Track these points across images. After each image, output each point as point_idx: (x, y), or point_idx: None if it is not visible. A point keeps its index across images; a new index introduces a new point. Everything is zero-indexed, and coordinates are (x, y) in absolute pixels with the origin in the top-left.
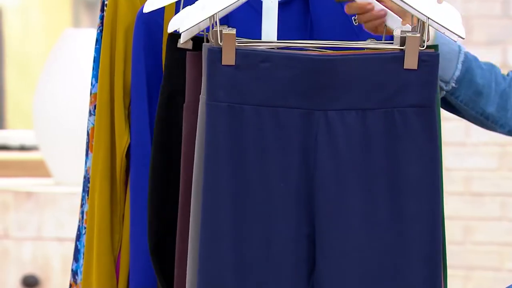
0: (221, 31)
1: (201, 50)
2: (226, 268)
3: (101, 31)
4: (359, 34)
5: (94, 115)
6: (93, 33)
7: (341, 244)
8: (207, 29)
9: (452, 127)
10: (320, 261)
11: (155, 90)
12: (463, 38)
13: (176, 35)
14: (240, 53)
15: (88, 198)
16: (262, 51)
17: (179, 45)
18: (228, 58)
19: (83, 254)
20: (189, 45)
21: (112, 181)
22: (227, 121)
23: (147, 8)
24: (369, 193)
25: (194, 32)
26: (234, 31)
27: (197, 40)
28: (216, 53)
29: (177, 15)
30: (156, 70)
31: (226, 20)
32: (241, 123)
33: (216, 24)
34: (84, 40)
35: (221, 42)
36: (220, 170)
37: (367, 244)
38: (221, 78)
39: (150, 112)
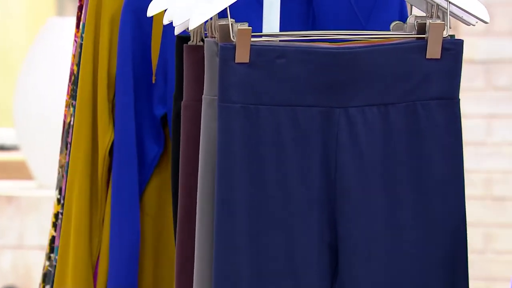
0: (232, 25)
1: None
2: (243, 282)
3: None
4: (365, 25)
5: None
6: None
7: (365, 251)
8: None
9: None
10: (343, 271)
11: (141, 83)
12: (487, 23)
13: (184, 37)
14: (254, 49)
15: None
16: (278, 46)
17: (190, 43)
18: (242, 56)
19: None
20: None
21: (92, 181)
22: (241, 124)
23: (151, 11)
24: (393, 196)
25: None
26: (246, 24)
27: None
28: (229, 50)
29: (171, 6)
30: (144, 62)
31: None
32: (257, 125)
33: (218, 17)
34: (69, 30)
35: (234, 38)
36: (235, 177)
37: (392, 250)
38: (234, 77)
39: (136, 106)
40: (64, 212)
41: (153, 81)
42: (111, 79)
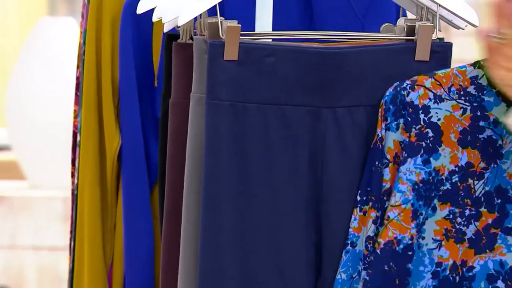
0: (221, 22)
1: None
2: (230, 282)
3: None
4: (364, 23)
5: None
6: (71, 21)
7: None
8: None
9: None
10: (326, 271)
11: (143, 86)
12: (476, 26)
13: (173, 35)
14: (243, 47)
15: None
16: (267, 44)
17: (179, 41)
18: (231, 53)
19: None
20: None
21: (102, 187)
22: (229, 122)
23: (140, 9)
24: None
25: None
26: (235, 22)
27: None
28: (218, 47)
29: (161, 4)
30: (145, 64)
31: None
32: (245, 123)
33: (207, 15)
34: (61, 29)
35: (223, 35)
36: (222, 175)
37: None
38: (222, 75)
39: (142, 111)
40: (77, 219)
41: (155, 84)
42: (115, 84)
